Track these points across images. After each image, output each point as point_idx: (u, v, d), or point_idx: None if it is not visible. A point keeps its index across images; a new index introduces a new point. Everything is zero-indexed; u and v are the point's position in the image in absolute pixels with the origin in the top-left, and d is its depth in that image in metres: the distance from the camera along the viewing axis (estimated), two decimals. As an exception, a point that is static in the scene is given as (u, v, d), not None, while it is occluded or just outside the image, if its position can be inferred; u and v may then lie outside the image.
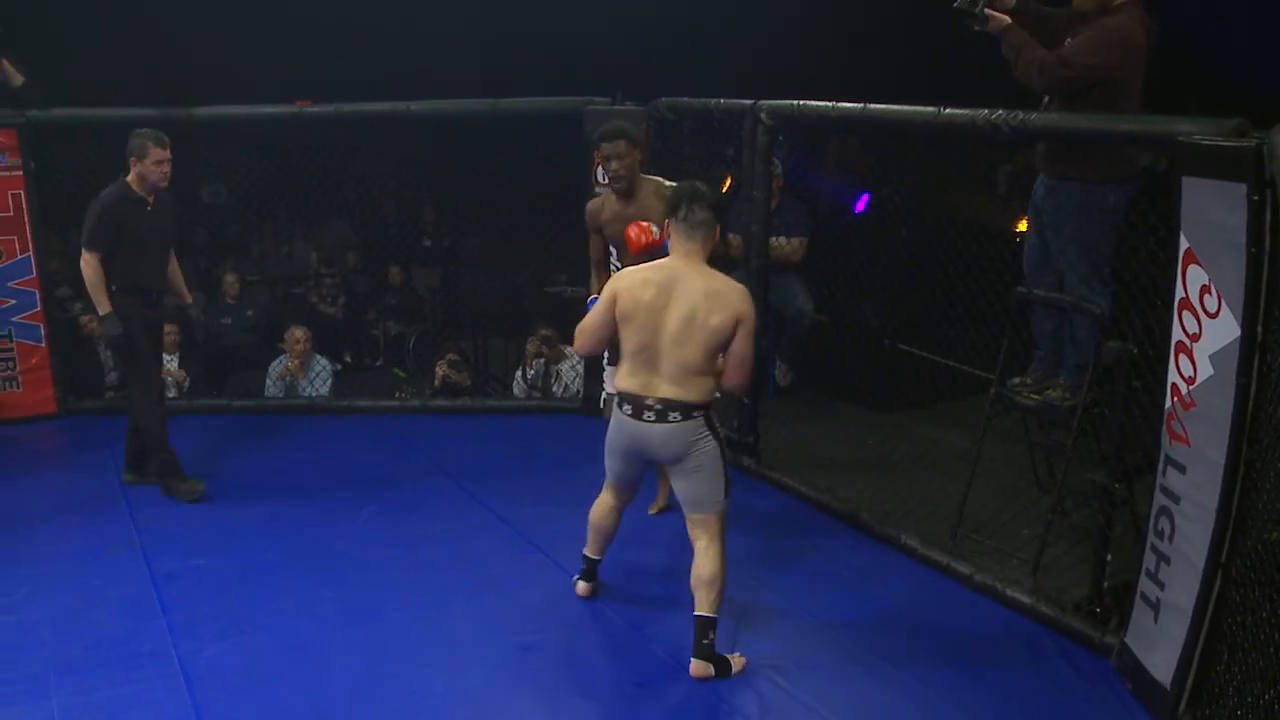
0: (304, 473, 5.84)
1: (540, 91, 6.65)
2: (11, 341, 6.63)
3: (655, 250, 4.36)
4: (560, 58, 8.70)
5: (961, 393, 5.83)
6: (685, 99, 6.12)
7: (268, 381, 7.18)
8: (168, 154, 5.23)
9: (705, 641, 3.83)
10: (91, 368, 7.07)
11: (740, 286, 3.78)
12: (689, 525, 3.91)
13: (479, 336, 8.01)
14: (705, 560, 3.83)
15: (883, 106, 4.81)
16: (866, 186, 7.22)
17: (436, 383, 7.13)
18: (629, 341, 3.78)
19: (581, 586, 4.44)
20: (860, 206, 7.24)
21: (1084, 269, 4.42)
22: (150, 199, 5.27)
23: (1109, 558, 4.04)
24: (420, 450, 6.16)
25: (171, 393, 7.03)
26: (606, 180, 4.87)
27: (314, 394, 7.04)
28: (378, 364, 8.42)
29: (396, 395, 7.25)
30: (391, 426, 6.58)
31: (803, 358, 6.60)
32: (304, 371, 7.09)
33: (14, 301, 6.59)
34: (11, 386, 6.69)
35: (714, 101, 5.85)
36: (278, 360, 7.20)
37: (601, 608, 4.39)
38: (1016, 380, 4.72)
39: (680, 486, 3.87)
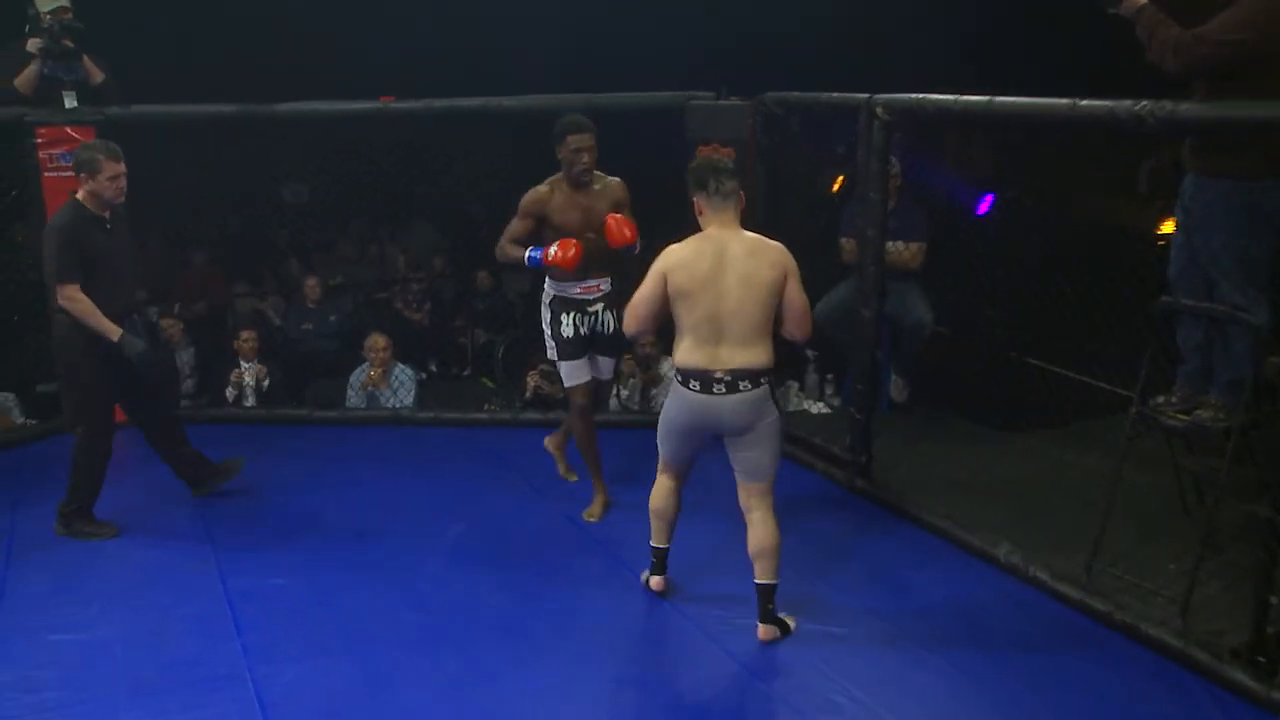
0: (388, 488, 5.83)
1: (639, 86, 6.56)
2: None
3: (629, 248, 4.95)
4: (658, 50, 8.61)
5: (1098, 412, 5.61)
6: (794, 93, 5.98)
7: (349, 391, 7.21)
8: (122, 167, 5.04)
9: (770, 607, 4.17)
10: (166, 376, 7.02)
11: (776, 243, 4.09)
12: (743, 494, 4.18)
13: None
14: (763, 530, 4.13)
15: (1011, 100, 4.63)
16: (990, 187, 7.02)
17: (527, 394, 7.08)
18: (690, 315, 4.03)
19: (655, 582, 4.56)
20: (984, 208, 7.03)
21: (1238, 275, 4.18)
22: (107, 215, 5.09)
23: (1273, 600, 3.79)
24: (511, 465, 6.10)
25: (249, 401, 7.12)
26: (574, 171, 5.06)
27: (397, 404, 7.04)
28: (464, 374, 8.38)
29: (486, 407, 7.23)
30: (480, 440, 6.53)
31: (921, 371, 6.41)
32: (385, 381, 7.10)
33: (85, 307, 6.67)
34: (86, 394, 6.76)
35: (825, 96, 5.70)
36: (359, 369, 7.22)
37: (697, 635, 4.26)
38: (1161, 399, 4.49)
39: (742, 456, 4.12)
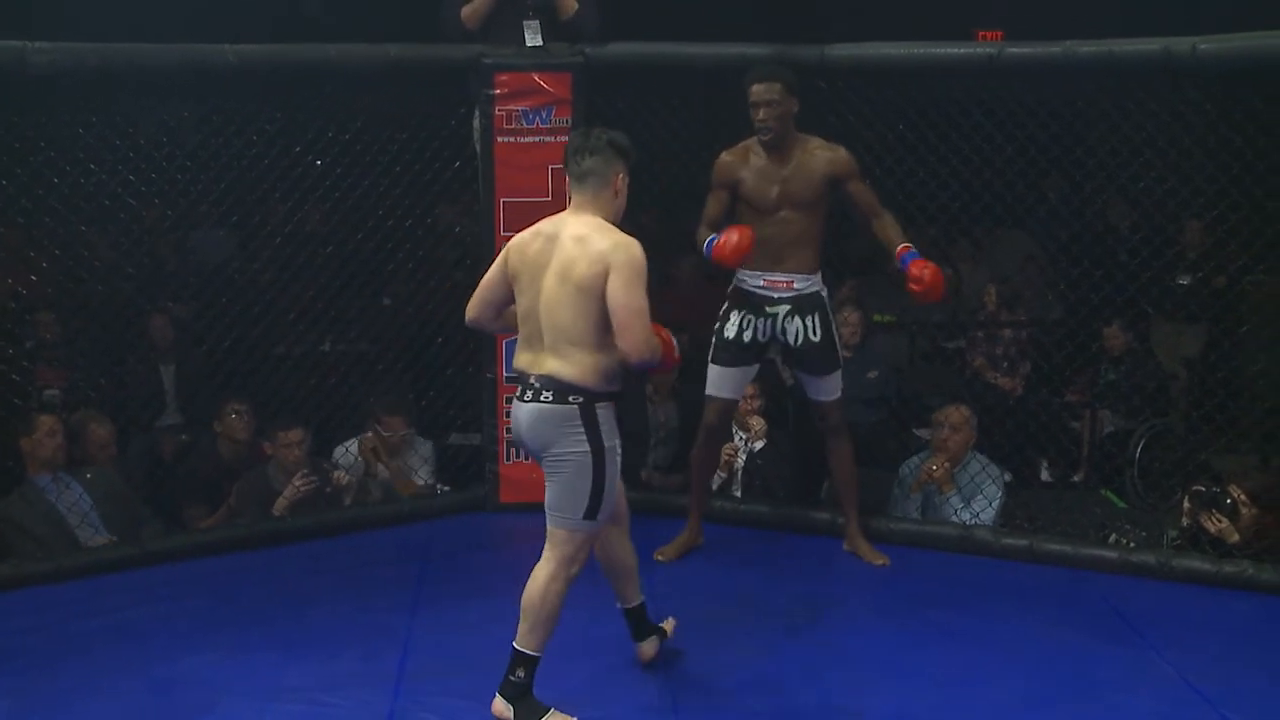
0: (948, 656, 5.58)
1: None
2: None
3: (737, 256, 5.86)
4: None
5: None
6: None
7: (895, 490, 7.19)
8: None
9: (512, 678, 4.77)
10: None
11: (621, 237, 4.66)
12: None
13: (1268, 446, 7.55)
14: (536, 577, 4.75)
15: None
16: None
17: (1184, 522, 6.54)
18: (519, 307, 4.82)
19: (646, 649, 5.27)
20: None
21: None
22: None
23: None
24: (1151, 645, 5.67)
25: (738, 489, 7.26)
26: (755, 130, 6.10)
27: (969, 518, 6.88)
28: (1074, 479, 8.25)
29: (1111, 539, 6.87)
30: (1098, 593, 6.21)
31: None
32: (952, 480, 6.94)
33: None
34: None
35: None
36: (918, 455, 7.21)
37: None
38: None
39: (546, 486, 4.80)
